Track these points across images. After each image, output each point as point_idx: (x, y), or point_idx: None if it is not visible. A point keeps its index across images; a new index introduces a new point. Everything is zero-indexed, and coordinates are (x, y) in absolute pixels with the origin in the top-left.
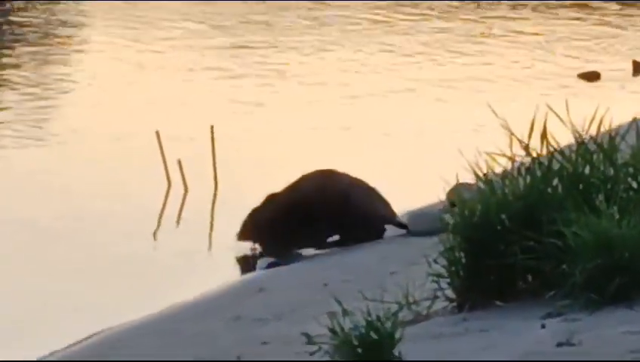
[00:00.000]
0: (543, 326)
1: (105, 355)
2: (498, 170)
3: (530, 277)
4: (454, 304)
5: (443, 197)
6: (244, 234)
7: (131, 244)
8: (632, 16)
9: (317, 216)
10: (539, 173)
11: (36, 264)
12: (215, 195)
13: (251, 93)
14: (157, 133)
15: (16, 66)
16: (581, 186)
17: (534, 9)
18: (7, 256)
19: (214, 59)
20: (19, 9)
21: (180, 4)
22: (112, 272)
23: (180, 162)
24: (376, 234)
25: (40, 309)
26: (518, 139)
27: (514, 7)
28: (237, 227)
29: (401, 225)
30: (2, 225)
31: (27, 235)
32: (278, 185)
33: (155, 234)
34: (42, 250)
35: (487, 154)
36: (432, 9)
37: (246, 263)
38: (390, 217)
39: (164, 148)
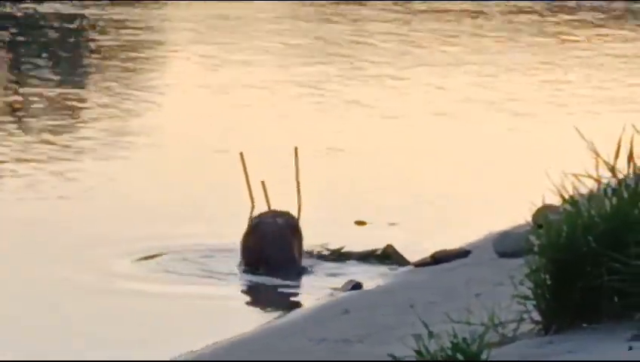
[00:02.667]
0: (630, 348)
1: None
2: (584, 191)
3: (616, 299)
4: (540, 326)
5: (529, 218)
6: None
7: (216, 264)
8: None
9: None
10: (625, 195)
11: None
12: (298, 216)
13: (340, 115)
14: (241, 154)
15: (97, 80)
16: None
17: (620, 26)
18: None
19: (302, 76)
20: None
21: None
22: (197, 294)
23: (263, 183)
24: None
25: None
26: (604, 161)
27: (599, 26)
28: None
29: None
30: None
31: (113, 256)
32: (361, 205)
33: (237, 253)
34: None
35: (573, 175)
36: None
37: (330, 284)
38: (280, 264)
39: (247, 168)
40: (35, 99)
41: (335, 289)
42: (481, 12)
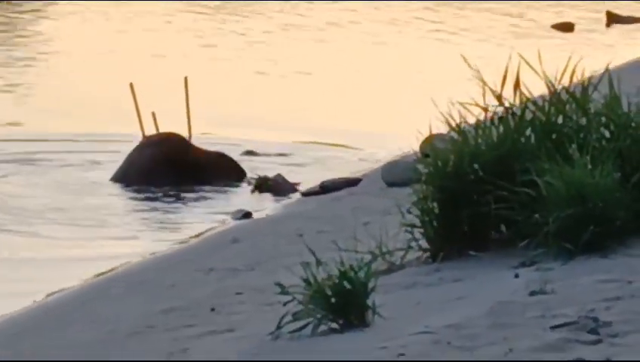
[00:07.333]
0: (517, 276)
1: (79, 306)
2: (471, 120)
3: (503, 227)
4: (428, 254)
5: (417, 147)
6: None
7: (108, 195)
8: None
9: None
10: (512, 123)
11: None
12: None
13: (227, 49)
14: (131, 84)
15: None
16: (554, 136)
17: None
18: None
19: (190, 16)
20: None
21: None
22: (84, 221)
23: (153, 114)
24: None
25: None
26: (491, 89)
27: None
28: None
29: None
30: None
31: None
32: (250, 135)
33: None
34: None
35: (461, 104)
36: None
37: (220, 213)
38: None
39: (138, 100)
40: None
41: (224, 218)
42: None
